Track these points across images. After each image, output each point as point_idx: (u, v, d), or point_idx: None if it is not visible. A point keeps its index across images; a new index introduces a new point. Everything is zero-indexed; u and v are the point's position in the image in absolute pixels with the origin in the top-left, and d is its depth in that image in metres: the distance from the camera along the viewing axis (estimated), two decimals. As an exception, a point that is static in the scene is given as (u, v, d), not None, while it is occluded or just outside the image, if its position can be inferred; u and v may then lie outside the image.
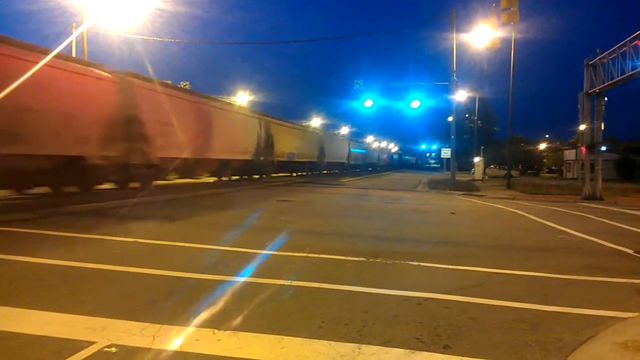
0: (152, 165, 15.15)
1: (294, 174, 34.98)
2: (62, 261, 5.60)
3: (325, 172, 45.74)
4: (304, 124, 49.18)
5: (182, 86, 34.61)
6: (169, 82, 22.65)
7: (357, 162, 64.05)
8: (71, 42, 22.25)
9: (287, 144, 31.68)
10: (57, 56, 11.59)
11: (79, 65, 12.81)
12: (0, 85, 9.56)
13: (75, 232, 7.62)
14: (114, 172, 13.88)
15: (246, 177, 25.65)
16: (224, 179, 23.63)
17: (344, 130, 71.28)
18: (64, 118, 11.59)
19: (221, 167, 22.19)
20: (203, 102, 20.34)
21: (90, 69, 13.13)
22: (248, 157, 24.29)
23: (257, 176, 26.99)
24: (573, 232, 9.77)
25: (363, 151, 69.87)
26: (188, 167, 18.76)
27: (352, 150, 58.93)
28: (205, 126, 19.38)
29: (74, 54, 21.56)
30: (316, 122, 60.96)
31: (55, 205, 10.55)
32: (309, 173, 40.09)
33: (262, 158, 26.23)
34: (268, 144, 27.33)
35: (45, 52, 11.16)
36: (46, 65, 10.83)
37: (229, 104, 24.92)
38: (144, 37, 25.14)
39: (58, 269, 5.30)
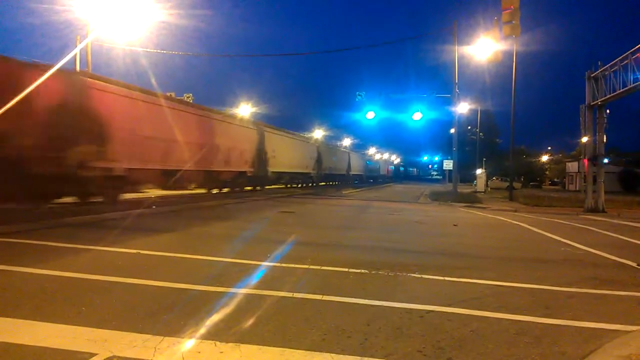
0: (266, 177, 26.58)
1: (299, 185, 37.36)
2: (64, 272, 5.61)
3: (355, 182, 57.25)
4: (338, 145, 61.58)
5: (185, 98, 36.02)
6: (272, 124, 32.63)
7: (372, 174, 75.39)
8: (75, 54, 22.45)
9: (329, 161, 43.44)
10: (232, 116, 23.73)
11: (243, 123, 24.31)
12: (224, 137, 20.50)
13: (78, 243, 7.63)
14: (252, 180, 24.54)
15: (304, 185, 37.83)
16: (289, 186, 34.43)
17: (346, 142, 71.71)
18: (240, 151, 22.44)
19: (293, 178, 34.03)
20: (292, 136, 32.83)
21: (246, 122, 24.89)
22: (308, 170, 36.76)
23: (311, 184, 39.18)
24: (576, 245, 9.74)
25: (375, 164, 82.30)
26: (278, 177, 29.63)
27: (367, 163, 71.16)
28: (289, 151, 30.91)
29: (77, 67, 21.78)
30: (318, 133, 61.18)
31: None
32: (338, 183, 50.35)
33: (314, 171, 38.46)
34: (318, 161, 39.12)
35: (232, 117, 24.33)
36: (236, 125, 22.70)
37: (301, 135, 36.65)
38: (147, 50, 25.42)
39: (60, 280, 5.30)
